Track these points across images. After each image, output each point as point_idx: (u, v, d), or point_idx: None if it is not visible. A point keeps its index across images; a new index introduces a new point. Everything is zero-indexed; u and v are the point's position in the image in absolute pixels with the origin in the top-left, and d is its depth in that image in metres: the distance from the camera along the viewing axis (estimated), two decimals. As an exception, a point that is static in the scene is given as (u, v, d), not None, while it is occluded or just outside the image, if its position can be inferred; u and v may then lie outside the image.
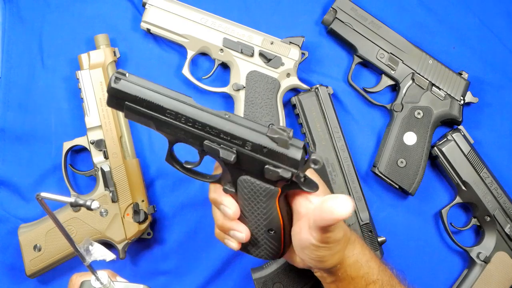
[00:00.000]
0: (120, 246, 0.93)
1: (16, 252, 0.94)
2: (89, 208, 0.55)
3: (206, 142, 0.67)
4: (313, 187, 0.68)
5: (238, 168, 0.68)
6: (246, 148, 0.66)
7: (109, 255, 0.63)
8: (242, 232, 0.72)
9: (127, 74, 0.67)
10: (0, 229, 0.97)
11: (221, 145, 0.66)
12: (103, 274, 0.65)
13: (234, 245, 0.74)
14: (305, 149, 0.66)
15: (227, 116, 0.66)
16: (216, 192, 0.73)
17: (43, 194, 0.56)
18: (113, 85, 0.66)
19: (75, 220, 0.92)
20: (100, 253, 0.63)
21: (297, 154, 0.65)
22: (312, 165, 0.63)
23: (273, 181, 0.68)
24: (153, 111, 0.67)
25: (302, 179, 0.67)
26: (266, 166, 0.66)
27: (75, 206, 0.56)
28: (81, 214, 0.92)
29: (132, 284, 0.68)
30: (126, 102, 0.67)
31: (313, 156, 0.63)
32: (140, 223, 0.93)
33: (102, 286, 0.64)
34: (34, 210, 0.97)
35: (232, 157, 0.66)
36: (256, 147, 0.65)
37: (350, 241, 0.73)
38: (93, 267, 0.63)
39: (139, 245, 0.99)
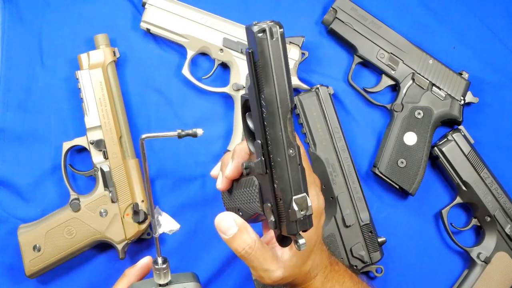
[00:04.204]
0: (119, 247, 0.93)
1: (16, 253, 0.94)
2: (194, 135, 0.55)
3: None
4: (284, 243, 0.62)
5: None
6: (275, 185, 0.59)
7: (175, 226, 0.61)
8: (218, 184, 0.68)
9: None
10: (-1, 229, 0.97)
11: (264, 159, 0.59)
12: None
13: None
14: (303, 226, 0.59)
15: (292, 152, 0.57)
16: (235, 156, 0.67)
17: (145, 135, 0.55)
18: None
19: (74, 220, 0.92)
20: (167, 224, 0.60)
21: (292, 228, 0.58)
22: (296, 246, 0.58)
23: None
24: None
25: (280, 237, 0.62)
26: (267, 204, 0.60)
27: (181, 137, 0.55)
28: (80, 214, 0.92)
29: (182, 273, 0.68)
30: None
31: (300, 242, 0.58)
32: (140, 223, 0.93)
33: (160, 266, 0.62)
34: (34, 210, 0.97)
35: (261, 171, 0.59)
36: (277, 191, 0.59)
37: (308, 274, 0.69)
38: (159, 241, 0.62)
39: (139, 246, 0.98)
